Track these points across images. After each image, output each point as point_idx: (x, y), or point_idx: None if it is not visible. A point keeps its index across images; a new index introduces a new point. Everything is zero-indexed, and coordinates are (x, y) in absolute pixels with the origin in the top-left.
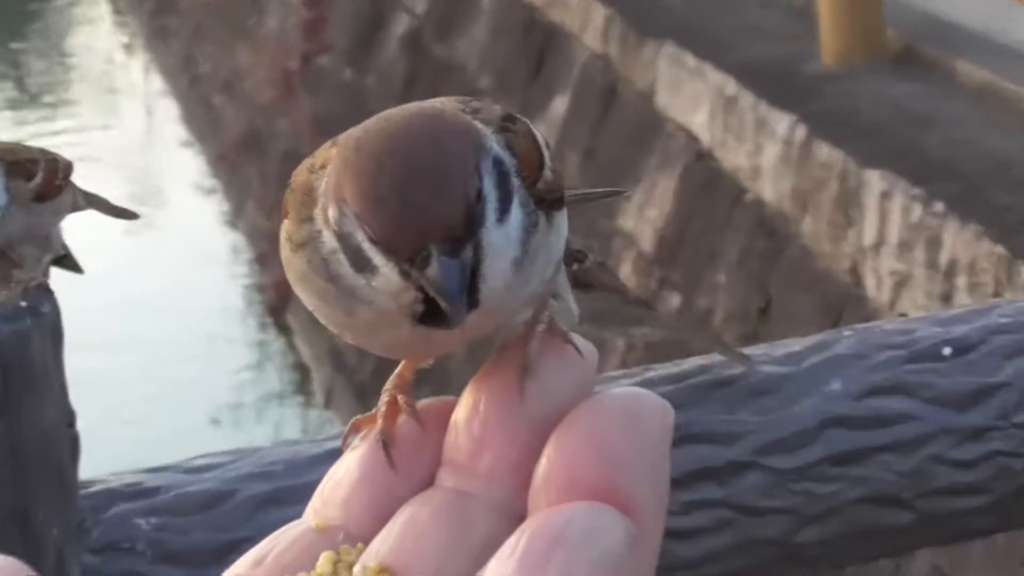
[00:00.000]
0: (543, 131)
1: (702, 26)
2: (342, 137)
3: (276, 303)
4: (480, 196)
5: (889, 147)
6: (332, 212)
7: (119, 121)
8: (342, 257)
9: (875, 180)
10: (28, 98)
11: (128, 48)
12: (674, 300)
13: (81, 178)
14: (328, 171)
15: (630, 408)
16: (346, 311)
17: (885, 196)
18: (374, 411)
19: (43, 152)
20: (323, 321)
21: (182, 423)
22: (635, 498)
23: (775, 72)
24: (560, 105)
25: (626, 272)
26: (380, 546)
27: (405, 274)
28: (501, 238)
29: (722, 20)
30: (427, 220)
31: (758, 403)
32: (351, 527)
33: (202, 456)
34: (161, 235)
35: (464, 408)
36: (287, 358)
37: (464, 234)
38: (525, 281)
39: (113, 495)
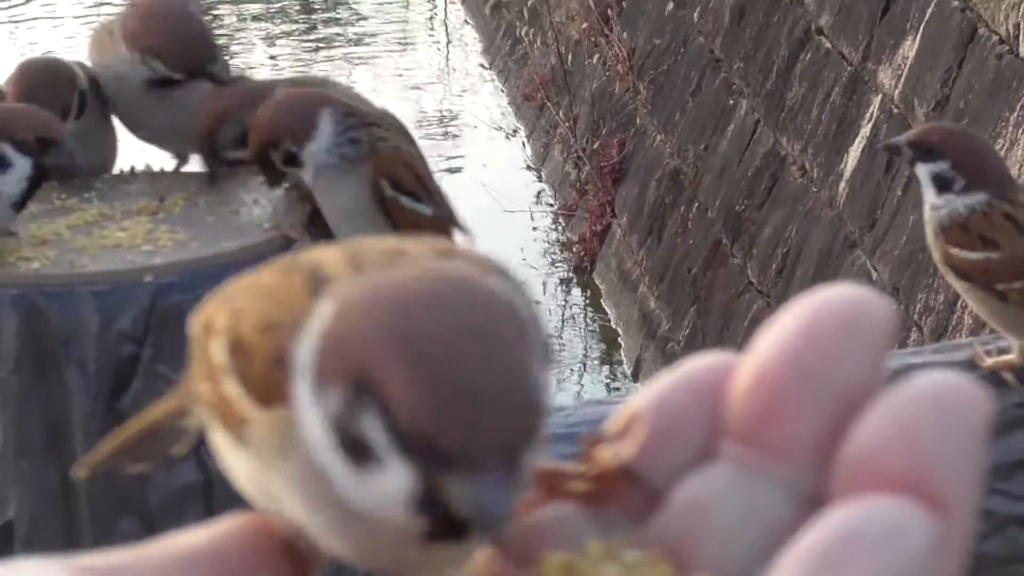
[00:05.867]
0: (886, 81)
1: None
2: (340, 301)
3: (581, 261)
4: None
5: None
6: (335, 396)
7: (415, 52)
8: (335, 453)
9: None
10: (317, 25)
11: None
12: None
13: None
14: (323, 337)
15: (943, 397)
16: (324, 506)
17: None
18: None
19: None
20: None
21: None
22: (944, 494)
23: None
24: (910, 49)
25: None
26: (659, 526)
27: (428, 484)
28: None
29: None
30: (494, 423)
31: None
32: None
33: None
34: (458, 181)
35: (747, 376)
36: (592, 321)
37: (525, 451)
38: None
39: None
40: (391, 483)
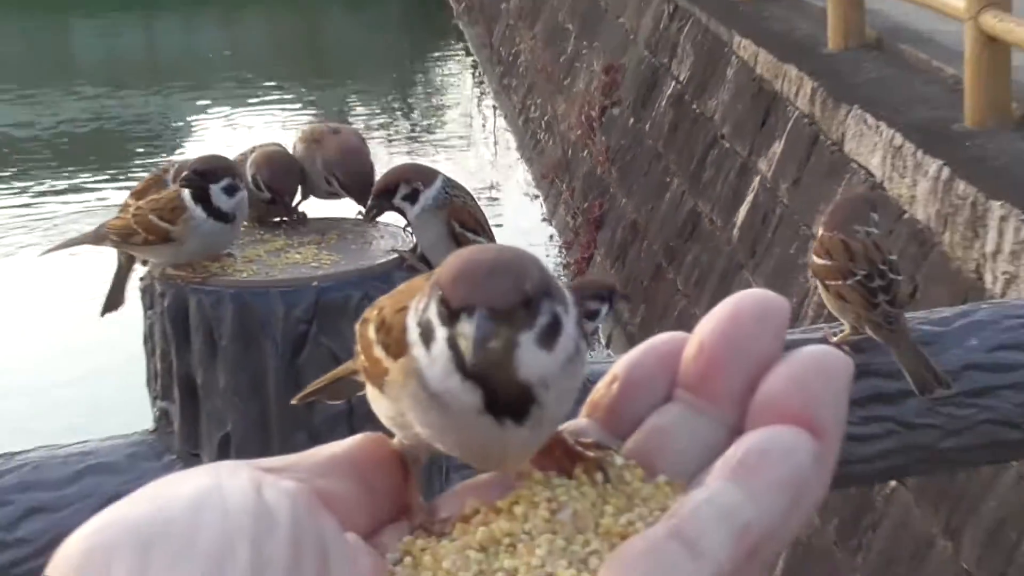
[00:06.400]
0: (763, 167)
1: (880, 96)
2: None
3: (575, 276)
4: (535, 302)
5: (1008, 186)
6: (423, 303)
7: (475, 147)
8: (422, 345)
9: (996, 208)
10: (413, 131)
11: (481, 98)
12: None
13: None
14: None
15: (823, 360)
16: (430, 408)
17: (1003, 219)
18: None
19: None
20: (425, 432)
21: None
22: (823, 426)
23: (931, 129)
24: (777, 148)
25: None
26: (636, 444)
27: (449, 325)
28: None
29: (895, 92)
30: (485, 287)
31: None
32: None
33: None
34: (499, 228)
35: (692, 347)
36: None
37: (510, 310)
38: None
39: None
40: (440, 341)
